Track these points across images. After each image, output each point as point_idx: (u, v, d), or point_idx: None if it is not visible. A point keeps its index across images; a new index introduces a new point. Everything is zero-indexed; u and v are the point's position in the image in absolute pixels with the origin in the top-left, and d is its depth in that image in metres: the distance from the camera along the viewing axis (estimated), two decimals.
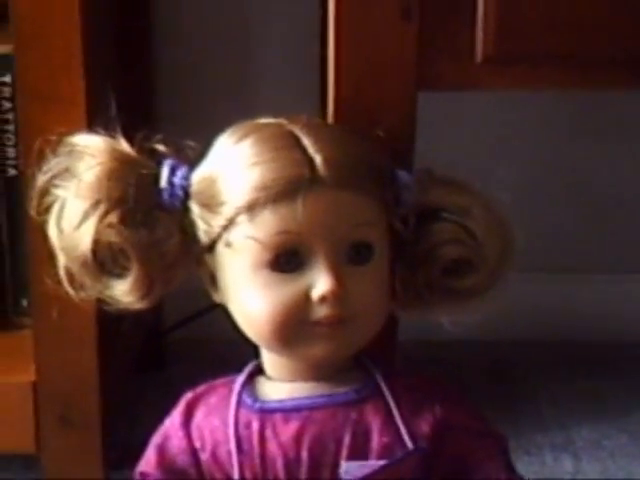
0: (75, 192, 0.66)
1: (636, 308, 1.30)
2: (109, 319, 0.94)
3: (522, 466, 1.01)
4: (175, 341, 1.23)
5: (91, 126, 0.80)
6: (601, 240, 1.30)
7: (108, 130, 0.69)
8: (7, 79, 0.94)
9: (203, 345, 1.22)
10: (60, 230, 0.67)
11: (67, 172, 0.67)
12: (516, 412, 1.14)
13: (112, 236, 0.66)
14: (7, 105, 0.94)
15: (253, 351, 0.71)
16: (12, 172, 0.96)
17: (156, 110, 1.20)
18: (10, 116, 0.95)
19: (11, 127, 0.95)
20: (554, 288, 1.29)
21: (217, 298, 0.69)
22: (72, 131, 0.72)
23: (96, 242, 0.66)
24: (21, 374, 0.94)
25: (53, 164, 0.68)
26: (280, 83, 1.21)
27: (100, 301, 0.70)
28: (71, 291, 0.68)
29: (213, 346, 1.20)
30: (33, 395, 0.93)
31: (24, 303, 0.99)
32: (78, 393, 0.94)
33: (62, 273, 0.68)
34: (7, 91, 0.94)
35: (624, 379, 1.20)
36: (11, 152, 0.95)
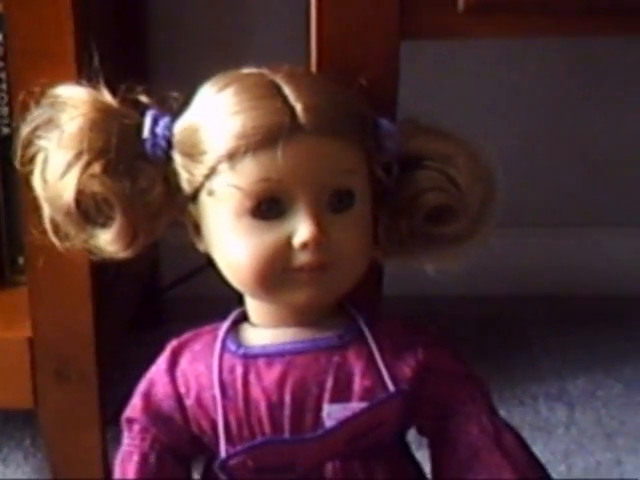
0: (58, 143, 0.67)
1: (633, 260, 1.30)
2: (104, 275, 0.95)
3: (516, 416, 1.02)
4: (172, 299, 1.24)
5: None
6: (596, 193, 1.31)
7: (92, 82, 0.69)
8: None
9: (199, 303, 1.23)
10: (44, 180, 0.68)
11: (50, 123, 0.68)
12: (510, 363, 1.15)
13: (95, 186, 0.66)
14: None
15: (238, 299, 0.72)
16: (5, 131, 0.96)
17: (148, 63, 1.20)
18: (3, 75, 0.95)
19: (4, 86, 0.95)
20: (549, 242, 1.29)
21: (201, 247, 0.70)
22: (57, 84, 0.73)
23: (79, 192, 0.66)
24: (17, 330, 0.95)
25: (36, 115, 0.69)
26: (268, 33, 1.21)
27: (86, 251, 0.70)
28: (56, 241, 0.69)
29: (209, 304, 1.20)
30: (29, 350, 0.94)
31: (20, 261, 1.00)
32: (74, 348, 0.94)
33: (47, 223, 0.69)
34: None
35: (619, 330, 1.21)
36: (4, 111, 0.96)
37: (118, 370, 1.06)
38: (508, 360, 1.15)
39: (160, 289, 1.23)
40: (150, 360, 1.09)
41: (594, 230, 1.30)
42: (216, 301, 1.16)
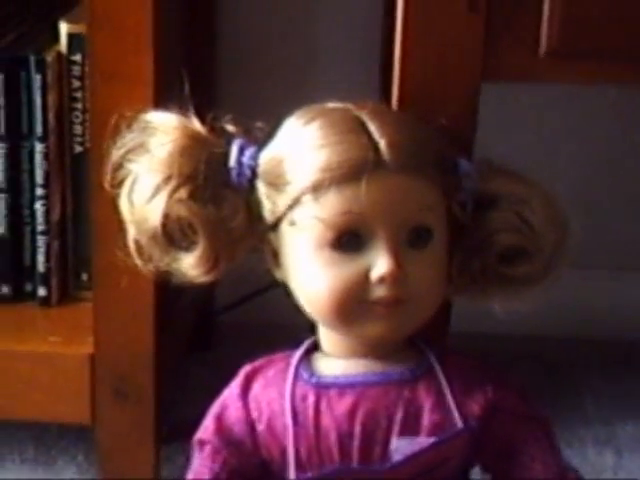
0: (148, 167, 0.69)
1: None
2: (167, 297, 0.97)
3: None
4: (225, 323, 1.25)
5: (158, 105, 0.83)
6: None
7: (180, 109, 0.71)
8: (77, 58, 0.96)
9: (251, 328, 1.24)
10: (131, 203, 0.69)
11: (141, 147, 0.70)
12: (560, 406, 1.15)
13: (181, 211, 0.68)
14: (76, 83, 0.97)
15: (309, 328, 0.73)
16: (78, 149, 0.98)
17: (218, 91, 1.22)
18: (79, 94, 0.97)
19: (79, 105, 0.97)
20: (607, 285, 1.29)
21: (279, 275, 0.71)
22: (140, 109, 0.75)
23: (166, 216, 0.68)
24: (79, 346, 0.96)
25: (128, 139, 0.71)
26: (340, 65, 1.23)
27: (163, 277, 0.72)
28: (139, 263, 0.71)
29: (261, 329, 1.22)
30: (90, 367, 0.95)
31: (84, 277, 1.01)
32: (134, 368, 0.95)
33: (131, 245, 0.71)
34: (77, 69, 0.96)
35: None
36: (78, 129, 0.98)
37: (173, 390, 1.08)
38: (558, 402, 1.15)
39: (214, 312, 1.24)
40: (200, 383, 1.11)
41: None
42: (267, 327, 1.19)
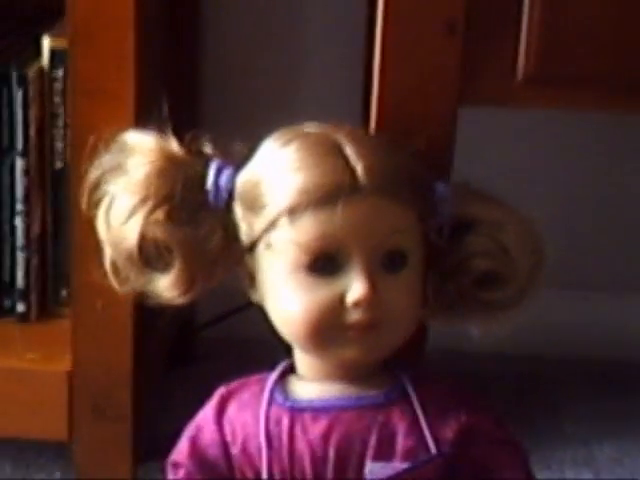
0: (124, 188, 0.69)
1: None
2: (146, 314, 0.97)
3: None
4: (206, 338, 1.25)
5: (138, 123, 0.83)
6: (635, 258, 1.31)
7: (159, 129, 0.71)
8: (59, 73, 0.96)
9: (233, 344, 1.24)
10: (108, 224, 0.69)
11: (118, 168, 0.70)
12: (538, 426, 1.15)
13: (158, 232, 0.68)
14: (58, 99, 0.97)
15: (285, 350, 0.73)
16: (59, 165, 0.98)
17: (201, 110, 1.22)
18: (60, 110, 0.97)
19: (60, 121, 0.97)
20: (584, 305, 1.29)
21: (254, 297, 0.71)
22: (120, 127, 0.75)
23: (142, 237, 0.68)
24: (57, 363, 0.96)
25: (105, 160, 0.71)
26: (323, 84, 1.23)
27: (141, 295, 0.72)
28: (115, 284, 0.71)
29: (243, 345, 1.22)
30: (68, 384, 0.95)
31: (63, 293, 1.01)
32: (112, 385, 0.95)
33: (108, 266, 0.71)
34: (58, 85, 0.96)
35: None
36: (59, 146, 0.98)
37: (152, 407, 1.07)
38: (535, 422, 1.15)
39: (196, 328, 1.24)
40: (181, 399, 1.10)
41: (630, 295, 1.30)
42: (249, 343, 1.19)
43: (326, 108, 1.18)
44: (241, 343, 1.22)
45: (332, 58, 1.22)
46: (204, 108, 1.22)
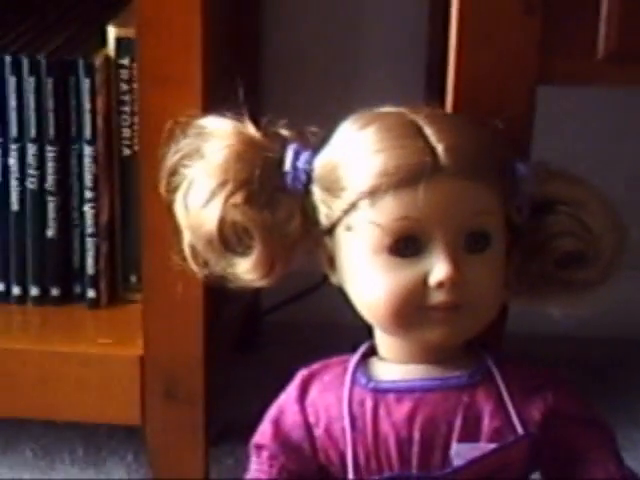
0: (203, 172, 0.69)
1: None
2: (215, 298, 0.97)
3: None
4: (271, 323, 1.25)
5: (205, 107, 0.83)
6: None
7: (231, 112, 0.71)
8: (125, 61, 0.96)
9: (298, 328, 1.24)
10: (187, 208, 0.69)
11: (196, 153, 0.70)
12: (613, 408, 1.13)
13: (237, 215, 0.68)
14: (124, 87, 0.97)
15: (367, 332, 0.72)
16: (126, 152, 0.98)
17: (263, 94, 1.22)
18: (127, 98, 0.97)
19: (127, 108, 0.98)
20: None
21: (334, 280, 0.71)
22: (189, 113, 0.75)
23: (222, 221, 0.68)
24: (129, 348, 0.96)
25: (183, 145, 0.71)
26: (385, 67, 1.22)
27: (212, 279, 0.72)
28: (195, 268, 0.71)
29: (308, 330, 1.22)
30: (140, 369, 0.95)
31: (133, 279, 1.02)
32: (184, 368, 0.96)
33: (187, 250, 0.71)
34: (125, 73, 0.97)
35: None
36: (126, 132, 0.98)
37: (222, 392, 1.08)
38: (611, 405, 1.14)
39: (261, 313, 1.24)
40: (248, 384, 1.10)
41: None
42: (314, 327, 1.19)
43: (388, 89, 1.17)
44: (306, 327, 1.22)
45: (395, 40, 1.21)
46: (267, 92, 1.22)
